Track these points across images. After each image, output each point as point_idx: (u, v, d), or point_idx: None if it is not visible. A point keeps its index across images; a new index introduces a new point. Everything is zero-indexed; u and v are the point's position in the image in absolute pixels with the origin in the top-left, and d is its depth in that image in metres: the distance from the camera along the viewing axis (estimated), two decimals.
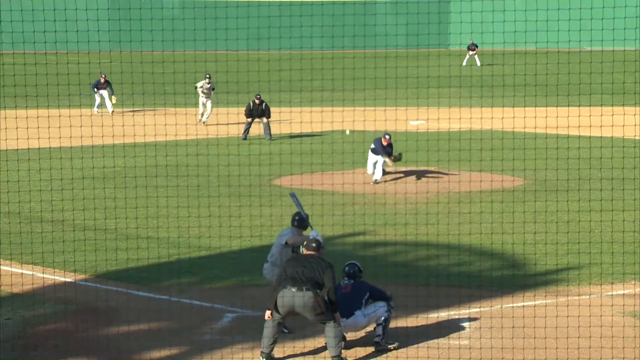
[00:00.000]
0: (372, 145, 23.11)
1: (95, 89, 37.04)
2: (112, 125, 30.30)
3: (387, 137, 23.15)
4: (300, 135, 29.12)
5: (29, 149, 24.85)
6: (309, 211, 17.35)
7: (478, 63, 59.21)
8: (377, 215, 18.49)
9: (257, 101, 30.07)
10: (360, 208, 19.01)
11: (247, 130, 29.86)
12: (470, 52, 60.58)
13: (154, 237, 17.12)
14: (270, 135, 29.62)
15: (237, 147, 27.67)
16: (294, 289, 11.25)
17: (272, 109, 30.82)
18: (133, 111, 34.69)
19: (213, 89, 34.10)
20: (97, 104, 36.79)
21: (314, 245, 11.63)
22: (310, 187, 21.44)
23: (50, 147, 25.45)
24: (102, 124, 30.70)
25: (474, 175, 22.53)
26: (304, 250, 11.82)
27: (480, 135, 24.36)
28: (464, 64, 59.54)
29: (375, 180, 22.50)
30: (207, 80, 33.72)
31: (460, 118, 27.60)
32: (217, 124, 29.79)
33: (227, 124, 29.52)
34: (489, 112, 26.37)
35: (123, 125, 29.68)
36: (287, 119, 28.97)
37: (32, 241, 16.16)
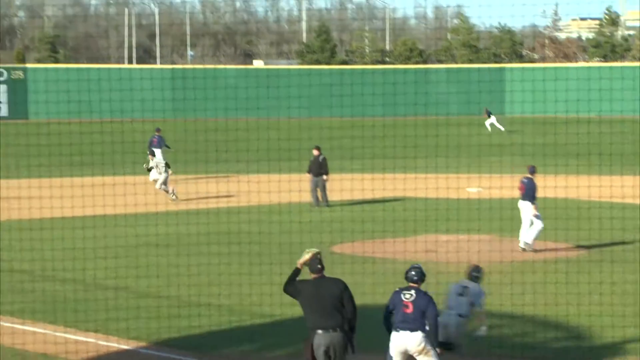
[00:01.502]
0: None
1: (151, 148, 36.45)
2: (168, 194, 30.57)
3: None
4: (359, 202, 29.08)
5: (94, 216, 25.11)
6: (370, 279, 17.26)
7: (501, 127, 59.29)
8: (440, 284, 18.31)
9: (315, 152, 29.89)
10: None
11: (316, 196, 29.44)
12: (490, 119, 60.64)
13: (214, 304, 17.08)
14: (327, 201, 29.51)
15: (299, 214, 27.66)
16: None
17: (331, 176, 30.81)
18: (192, 178, 34.91)
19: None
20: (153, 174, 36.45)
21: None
22: (372, 255, 21.32)
23: (107, 214, 25.67)
24: (156, 192, 30.99)
25: (536, 244, 22.27)
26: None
27: (543, 203, 24.14)
28: (489, 130, 59.66)
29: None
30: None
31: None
32: (280, 192, 29.92)
33: (290, 191, 29.62)
34: (550, 180, 26.18)
35: (178, 193, 30.06)
36: (347, 188, 29.00)
37: (95, 308, 16.23)
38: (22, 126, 53.95)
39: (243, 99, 60.59)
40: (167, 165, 30.16)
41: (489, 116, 60.42)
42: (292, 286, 11.69)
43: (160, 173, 30.13)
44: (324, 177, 29.67)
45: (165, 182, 30.26)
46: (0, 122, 60.57)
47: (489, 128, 59.82)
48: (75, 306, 16.07)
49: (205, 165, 35.05)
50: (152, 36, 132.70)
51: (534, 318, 16.30)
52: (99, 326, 15.68)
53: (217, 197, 28.95)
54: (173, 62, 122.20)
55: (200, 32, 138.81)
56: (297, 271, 11.72)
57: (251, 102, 60.24)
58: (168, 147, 36.71)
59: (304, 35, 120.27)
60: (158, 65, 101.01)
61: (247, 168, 34.96)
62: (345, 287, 11.51)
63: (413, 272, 12.12)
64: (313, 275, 11.71)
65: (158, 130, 37.14)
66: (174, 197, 29.82)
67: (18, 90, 68.38)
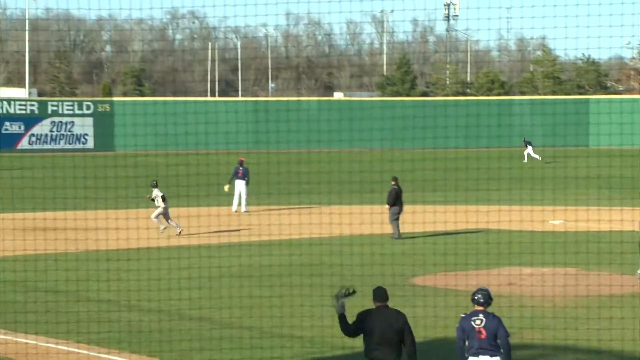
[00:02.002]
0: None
1: (234, 176, 36.37)
2: (249, 225, 30.87)
3: None
4: (441, 234, 28.90)
5: (178, 247, 25.44)
6: (453, 312, 17.09)
7: (538, 157, 58.69)
8: (523, 318, 18.07)
9: (393, 183, 29.74)
10: (504, 310, 18.60)
11: (397, 227, 29.28)
12: (527, 150, 60.10)
13: (295, 335, 17.13)
14: (399, 233, 29.34)
15: (380, 245, 27.62)
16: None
17: (413, 207, 30.70)
18: (275, 209, 35.15)
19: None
20: (235, 205, 36.54)
21: None
22: (454, 287, 21.15)
23: (191, 245, 25.97)
24: (240, 223, 31.29)
25: (615, 277, 21.84)
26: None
27: (621, 237, 23.70)
28: (525, 160, 59.11)
29: None
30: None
31: (599, 220, 26.97)
32: (361, 223, 29.97)
33: (372, 223, 29.62)
34: (631, 213, 25.71)
35: (259, 225, 30.24)
36: (430, 219, 28.86)
37: (179, 338, 16.39)
38: (110, 158, 55.02)
39: (324, 131, 60.92)
40: (164, 199, 29.45)
41: (527, 146, 60.17)
42: (352, 326, 11.62)
43: (157, 206, 29.54)
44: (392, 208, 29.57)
45: (165, 215, 29.02)
46: (86, 154, 61.86)
47: (526, 158, 59.54)
48: (159, 336, 16.27)
49: (288, 197, 35.25)
50: (234, 69, 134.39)
51: (611, 352, 15.98)
52: (182, 356, 15.83)
53: (299, 227, 29.10)
54: (255, 95, 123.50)
55: (282, 64, 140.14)
56: (342, 317, 11.64)
57: (332, 134, 60.58)
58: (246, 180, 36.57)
59: (385, 67, 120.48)
60: (241, 98, 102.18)
61: (328, 199, 35.04)
62: (406, 321, 11.49)
63: (479, 295, 11.99)
64: (377, 304, 11.68)
65: (241, 161, 37.34)
66: (178, 229, 28.70)
67: (104, 123, 69.79)
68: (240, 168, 36.68)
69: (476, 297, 11.97)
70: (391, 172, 32.56)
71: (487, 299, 11.99)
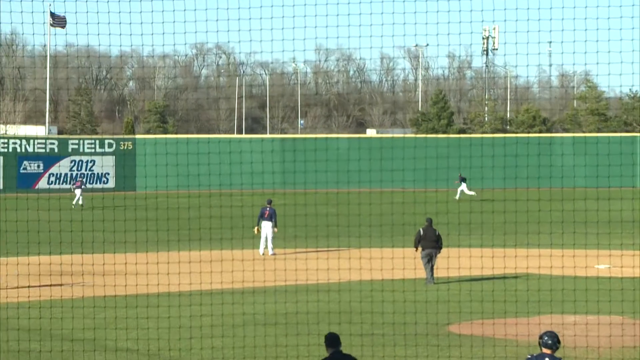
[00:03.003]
0: None
1: (261, 218, 36.35)
2: (275, 269, 30.78)
3: None
4: (478, 279, 28.67)
5: (200, 292, 25.38)
6: None
7: (473, 193, 59.30)
8: None
9: (428, 223, 29.47)
10: None
11: (431, 271, 29.02)
12: (461, 186, 60.72)
13: None
14: (433, 278, 29.11)
15: (414, 292, 27.42)
16: None
17: (447, 250, 30.44)
18: (302, 252, 35.05)
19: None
20: (262, 248, 36.57)
21: None
22: (492, 336, 20.91)
23: (213, 290, 25.87)
24: (265, 267, 31.21)
25: None
26: None
27: None
28: (457, 197, 59.75)
29: None
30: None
31: None
32: (393, 268, 29.81)
33: (403, 268, 29.46)
34: None
35: (286, 269, 30.16)
36: (465, 264, 28.66)
37: None
38: (130, 199, 55.24)
39: (355, 171, 60.92)
40: None
41: (461, 182, 60.78)
42: None
43: None
44: (436, 251, 29.27)
45: None
46: (106, 194, 62.17)
47: (458, 195, 60.14)
48: None
49: (316, 239, 35.15)
50: (262, 105, 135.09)
51: None
52: None
53: (328, 272, 28.95)
54: (283, 131, 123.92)
55: (312, 100, 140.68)
56: None
57: (364, 174, 60.59)
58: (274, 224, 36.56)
59: (420, 103, 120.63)
60: (267, 135, 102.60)
61: (358, 242, 34.91)
62: None
63: (547, 337, 11.85)
64: (329, 350, 12.21)
65: (269, 202, 37.27)
66: None
67: (126, 162, 70.18)
68: (268, 208, 36.60)
69: (544, 339, 11.84)
70: (425, 214, 32.42)
71: (556, 342, 11.89)
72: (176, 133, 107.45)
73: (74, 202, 59.79)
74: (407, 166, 54.09)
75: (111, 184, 71.33)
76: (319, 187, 53.36)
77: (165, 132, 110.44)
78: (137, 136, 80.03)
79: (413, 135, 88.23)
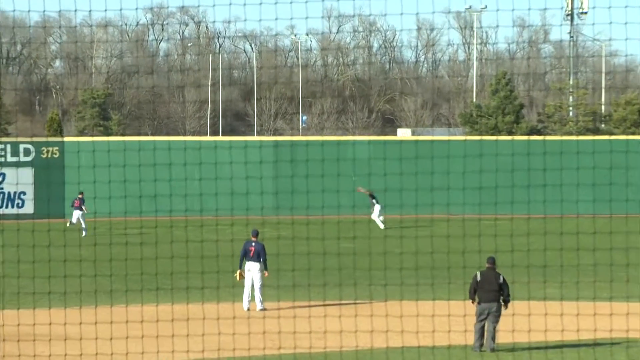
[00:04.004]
0: None
1: (244, 257, 36.45)
2: (264, 332, 31.07)
3: None
4: (556, 346, 28.85)
5: None
6: None
7: (381, 219, 62.08)
8: None
9: (489, 265, 29.30)
10: None
11: (480, 337, 29.09)
12: (374, 206, 62.63)
13: None
14: (494, 341, 29.21)
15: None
16: None
17: (514, 304, 30.64)
18: (295, 306, 35.35)
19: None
20: (246, 300, 36.78)
21: None
22: None
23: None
24: (249, 329, 31.50)
25: None
26: None
27: None
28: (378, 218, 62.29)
29: None
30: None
31: None
32: (434, 330, 30.07)
33: (448, 330, 29.76)
34: None
35: (280, 332, 30.45)
36: (538, 325, 28.92)
37: None
38: (56, 231, 55.54)
39: (380, 190, 61.36)
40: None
41: (373, 203, 62.65)
42: None
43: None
44: (503, 306, 29.41)
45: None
46: (22, 222, 62.48)
47: (375, 217, 62.73)
48: None
49: (323, 288, 35.43)
50: (247, 96, 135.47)
51: None
52: None
53: (339, 336, 29.29)
54: (276, 133, 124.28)
55: (318, 88, 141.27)
56: None
57: (392, 195, 61.10)
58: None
59: (474, 91, 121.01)
60: (255, 138, 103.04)
61: (383, 292, 35.14)
62: None
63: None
64: None
65: (256, 234, 37.40)
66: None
67: (51, 176, 70.14)
68: (254, 244, 36.80)
69: None
70: (481, 252, 32.63)
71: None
72: (123, 135, 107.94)
73: None
74: (454, 183, 54.29)
75: (29, 208, 71.39)
76: (326, 213, 53.44)
77: (108, 134, 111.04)
78: (66, 139, 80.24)
79: (463, 138, 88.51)
